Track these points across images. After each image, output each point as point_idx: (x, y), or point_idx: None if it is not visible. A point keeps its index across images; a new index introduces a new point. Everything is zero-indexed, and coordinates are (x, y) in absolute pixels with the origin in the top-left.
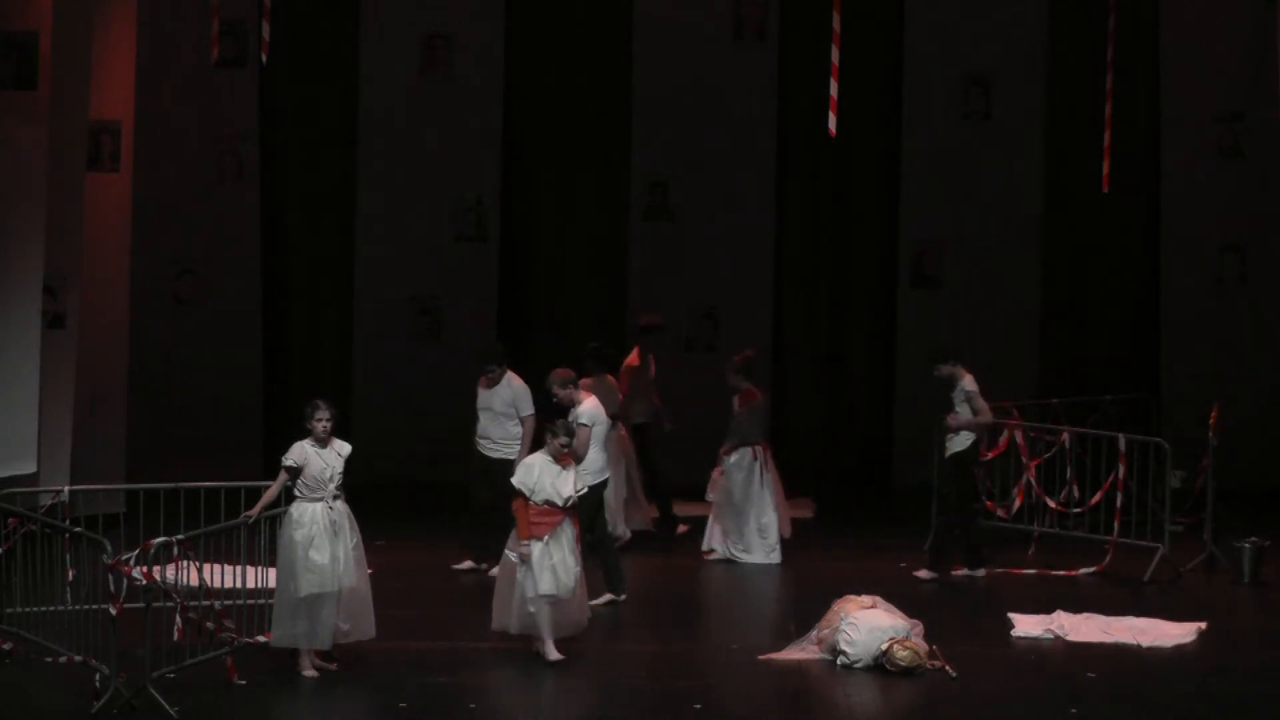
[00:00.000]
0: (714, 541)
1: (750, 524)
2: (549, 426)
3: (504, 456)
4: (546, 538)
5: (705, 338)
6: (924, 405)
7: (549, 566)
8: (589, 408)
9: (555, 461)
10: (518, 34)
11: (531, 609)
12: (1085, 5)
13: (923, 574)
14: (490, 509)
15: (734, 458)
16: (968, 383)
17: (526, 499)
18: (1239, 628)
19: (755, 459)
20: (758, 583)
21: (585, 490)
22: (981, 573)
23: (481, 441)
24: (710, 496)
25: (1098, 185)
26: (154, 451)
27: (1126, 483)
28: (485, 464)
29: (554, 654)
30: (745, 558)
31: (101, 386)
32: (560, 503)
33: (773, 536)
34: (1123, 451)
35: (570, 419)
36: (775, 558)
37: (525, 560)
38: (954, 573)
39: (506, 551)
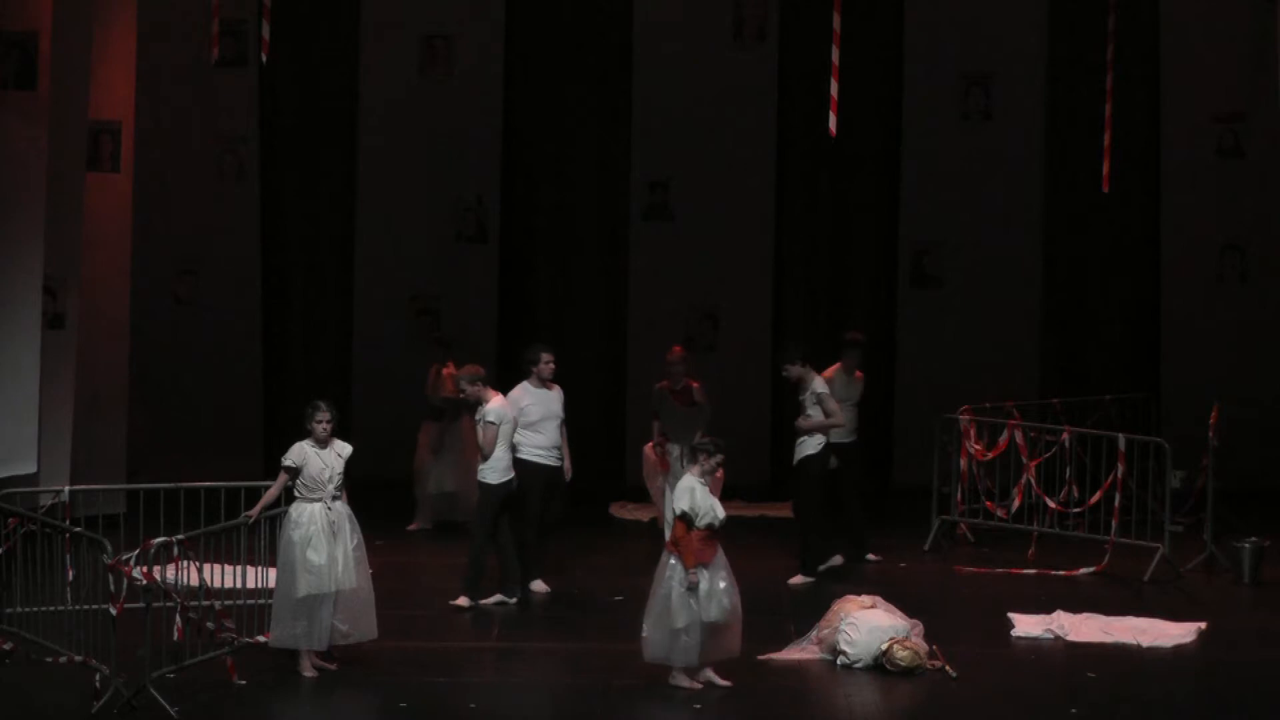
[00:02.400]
0: None
1: None
2: (700, 445)
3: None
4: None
5: (705, 338)
6: (924, 405)
7: (716, 593)
8: (497, 406)
9: (705, 482)
10: (518, 34)
11: (688, 637)
12: (1085, 5)
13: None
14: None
15: None
16: (819, 384)
17: (690, 525)
18: (1239, 628)
19: None
20: (756, 583)
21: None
22: (812, 579)
23: (552, 451)
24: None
25: (1098, 185)
26: (154, 451)
27: (1126, 482)
28: (549, 476)
29: (720, 680)
30: None
31: (101, 386)
32: (719, 525)
33: None
34: (1122, 451)
35: (478, 417)
36: None
37: (693, 588)
38: (789, 581)
39: (669, 580)
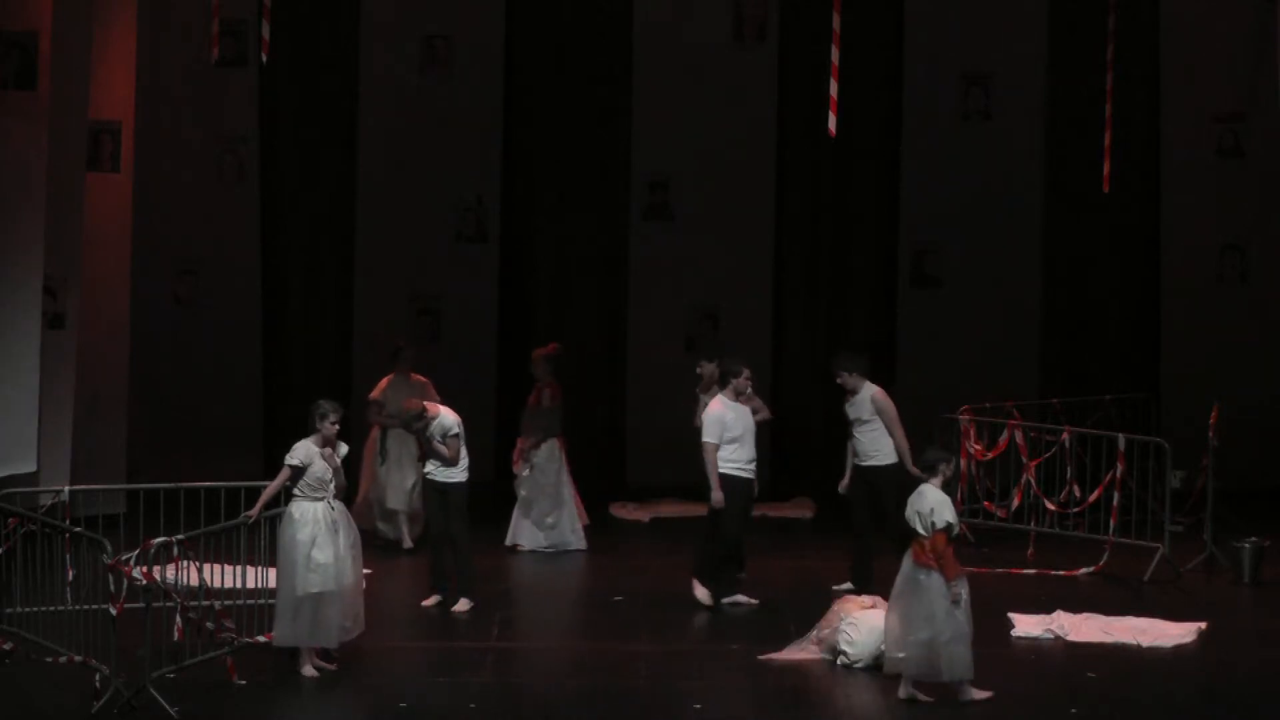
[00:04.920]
0: (521, 536)
1: (565, 515)
2: (942, 455)
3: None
4: None
5: (705, 338)
6: (924, 405)
7: (966, 604)
8: (456, 416)
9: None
10: (518, 34)
11: (959, 649)
12: (1085, 5)
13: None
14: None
15: (544, 451)
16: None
17: (950, 535)
18: (1239, 628)
19: (562, 451)
20: (759, 582)
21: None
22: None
23: (751, 465)
24: (522, 491)
25: (1098, 185)
26: (154, 451)
27: (1125, 482)
28: (748, 490)
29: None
30: (568, 546)
31: (101, 386)
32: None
33: (579, 524)
34: (1122, 451)
35: (442, 433)
36: (584, 544)
37: (958, 601)
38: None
39: (933, 594)
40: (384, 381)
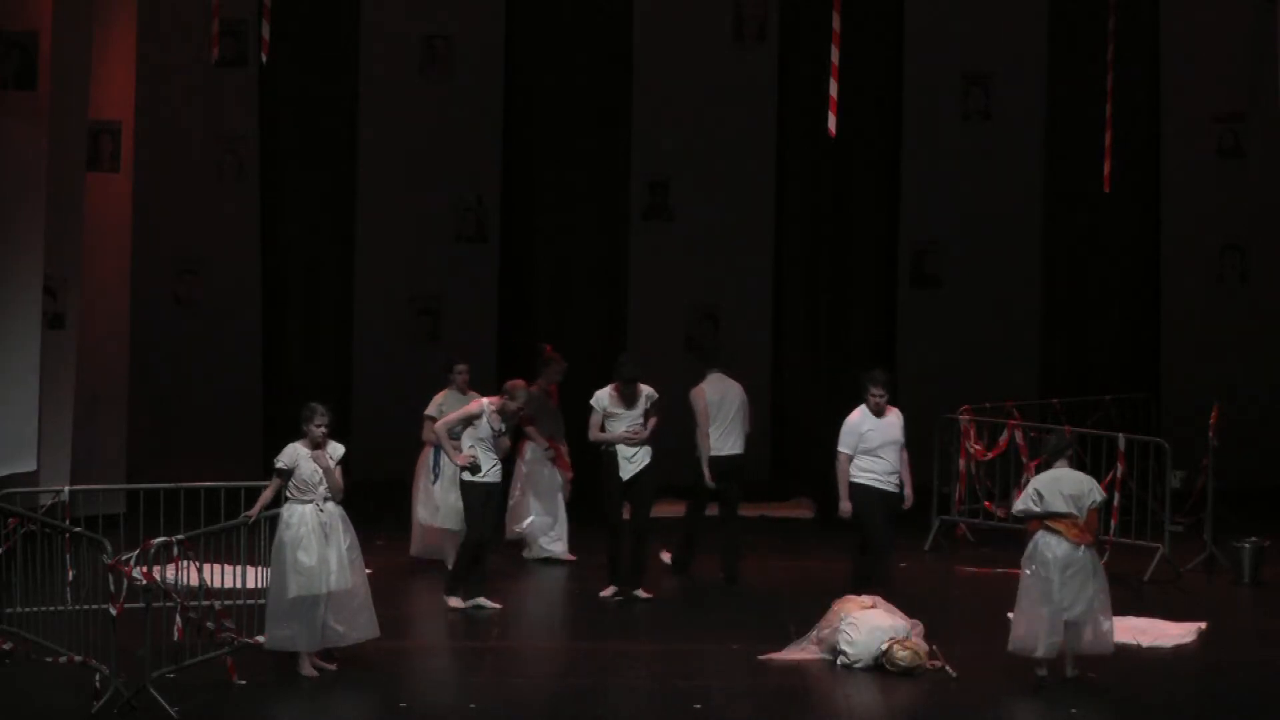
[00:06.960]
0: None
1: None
2: (1071, 440)
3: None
4: None
5: (705, 338)
6: (924, 405)
7: None
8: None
9: None
10: (518, 34)
11: (1109, 622)
12: (1085, 5)
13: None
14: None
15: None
16: (652, 391)
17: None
18: (1239, 628)
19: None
20: (759, 582)
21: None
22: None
23: (891, 477)
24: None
25: (1098, 185)
26: (154, 451)
27: (1125, 482)
28: (890, 502)
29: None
30: (563, 552)
31: (101, 386)
32: None
33: None
34: (1121, 451)
35: (505, 427)
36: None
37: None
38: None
39: (1101, 571)
40: (439, 396)
